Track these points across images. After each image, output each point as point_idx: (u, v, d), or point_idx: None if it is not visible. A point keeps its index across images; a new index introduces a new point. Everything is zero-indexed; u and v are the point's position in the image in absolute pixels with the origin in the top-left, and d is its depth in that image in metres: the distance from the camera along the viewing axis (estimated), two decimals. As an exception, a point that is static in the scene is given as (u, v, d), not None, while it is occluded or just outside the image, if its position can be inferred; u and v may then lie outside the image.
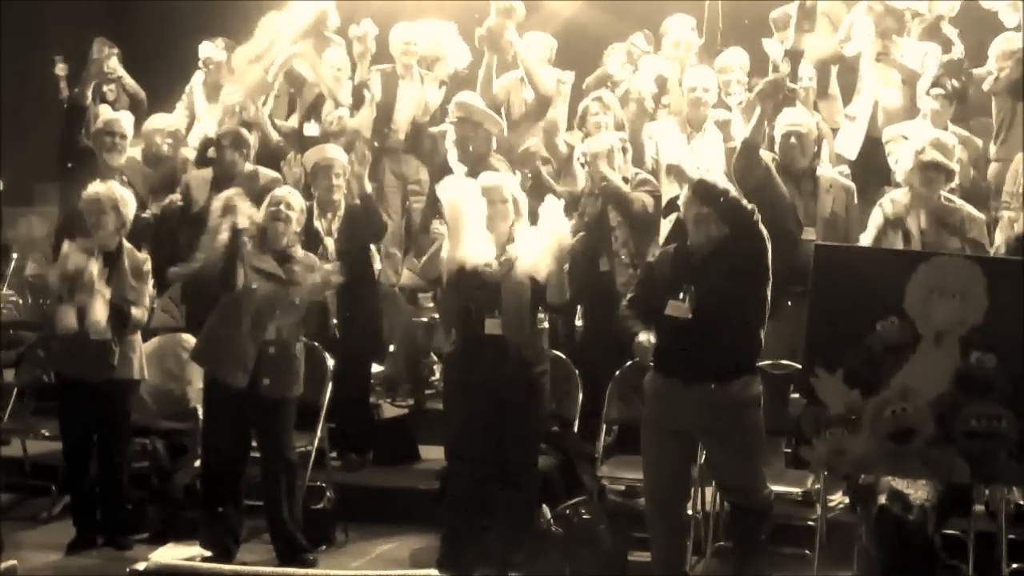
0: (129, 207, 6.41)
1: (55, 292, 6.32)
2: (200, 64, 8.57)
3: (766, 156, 6.92)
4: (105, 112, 8.00)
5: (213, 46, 8.55)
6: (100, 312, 6.18)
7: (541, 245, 5.71)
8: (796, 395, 5.21)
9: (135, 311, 6.31)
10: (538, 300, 5.77)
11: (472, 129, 7.13)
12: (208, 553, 6.08)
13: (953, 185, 6.55)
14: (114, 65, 8.20)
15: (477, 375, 5.70)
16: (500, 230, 5.80)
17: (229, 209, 6.00)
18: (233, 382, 5.98)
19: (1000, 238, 6.61)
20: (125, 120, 7.72)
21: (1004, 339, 4.90)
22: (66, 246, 6.33)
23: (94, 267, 6.21)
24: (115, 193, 6.38)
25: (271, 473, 6.11)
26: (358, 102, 7.87)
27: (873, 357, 4.97)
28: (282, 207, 6.10)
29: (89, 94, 7.74)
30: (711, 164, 7.03)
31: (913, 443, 4.95)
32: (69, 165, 7.67)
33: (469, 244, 5.76)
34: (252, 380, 5.97)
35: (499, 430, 5.73)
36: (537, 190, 6.79)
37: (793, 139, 6.78)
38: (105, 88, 8.49)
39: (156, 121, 7.93)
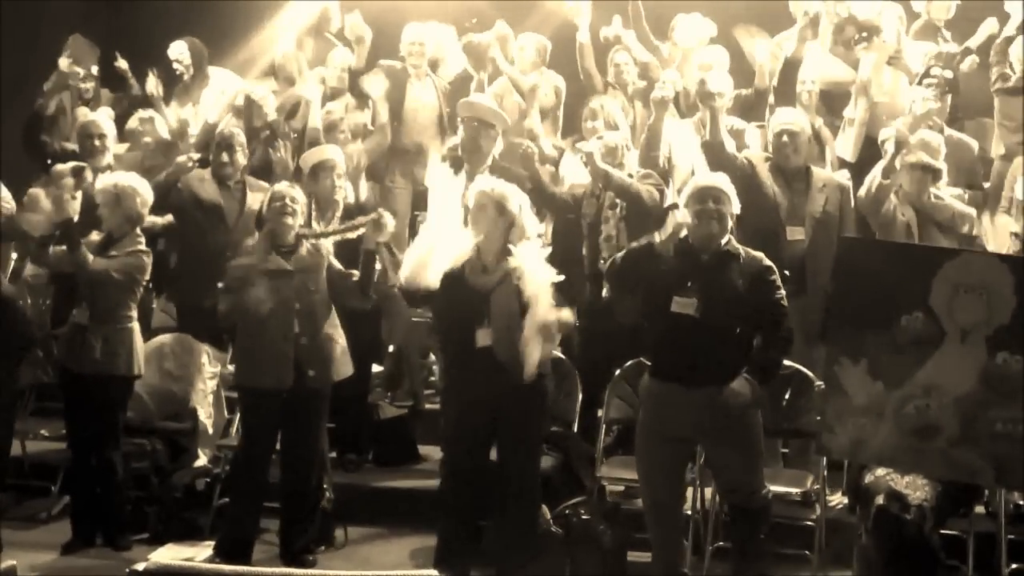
0: (136, 199, 6.40)
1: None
2: (175, 65, 8.56)
3: (757, 156, 6.95)
4: (83, 114, 8.01)
5: (185, 45, 8.54)
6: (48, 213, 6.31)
7: (541, 287, 5.59)
8: (820, 383, 5.19)
9: (84, 250, 6.23)
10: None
11: (481, 129, 7.13)
12: (210, 552, 6.09)
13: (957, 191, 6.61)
14: (77, 69, 8.24)
15: (473, 386, 5.64)
16: (487, 237, 5.68)
17: None
18: (280, 384, 5.98)
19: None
20: (103, 119, 7.73)
21: None
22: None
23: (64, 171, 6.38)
24: (118, 187, 6.39)
25: (303, 467, 6.11)
26: (361, 101, 7.91)
27: (897, 350, 4.93)
28: (287, 201, 6.10)
29: (52, 105, 7.72)
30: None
31: (936, 441, 4.91)
32: (49, 162, 7.70)
33: (452, 249, 5.73)
34: (297, 376, 5.98)
35: (498, 436, 5.70)
36: (536, 194, 6.79)
37: (785, 137, 6.80)
38: (82, 87, 8.50)
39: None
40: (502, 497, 5.76)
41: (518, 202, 5.72)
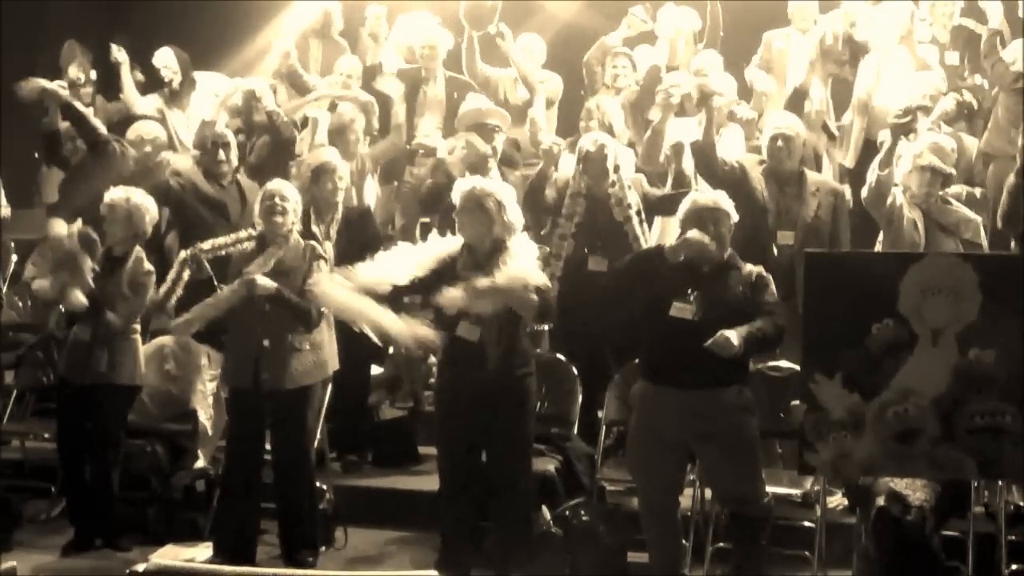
0: (145, 218, 6.42)
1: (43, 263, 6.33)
2: (163, 72, 8.57)
3: (751, 160, 6.96)
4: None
5: (171, 52, 8.55)
6: (77, 294, 6.20)
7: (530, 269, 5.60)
8: (796, 401, 5.21)
9: (111, 316, 6.25)
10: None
11: (486, 134, 7.12)
12: (210, 553, 6.11)
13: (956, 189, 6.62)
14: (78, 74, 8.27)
15: (459, 379, 5.65)
16: (476, 236, 5.63)
17: None
18: (237, 384, 6.02)
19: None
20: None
21: (1001, 334, 4.90)
22: (58, 225, 6.35)
23: (76, 247, 6.26)
24: (131, 203, 6.38)
25: (286, 468, 6.10)
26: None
27: (871, 360, 4.96)
28: (277, 200, 6.05)
29: (58, 119, 7.72)
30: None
31: (918, 443, 4.94)
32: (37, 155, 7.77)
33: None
34: (255, 378, 5.95)
35: (487, 433, 5.69)
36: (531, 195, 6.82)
37: (780, 141, 6.81)
38: (82, 91, 8.51)
39: (141, 128, 7.90)
40: (495, 499, 5.76)
41: (503, 197, 5.67)
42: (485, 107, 7.37)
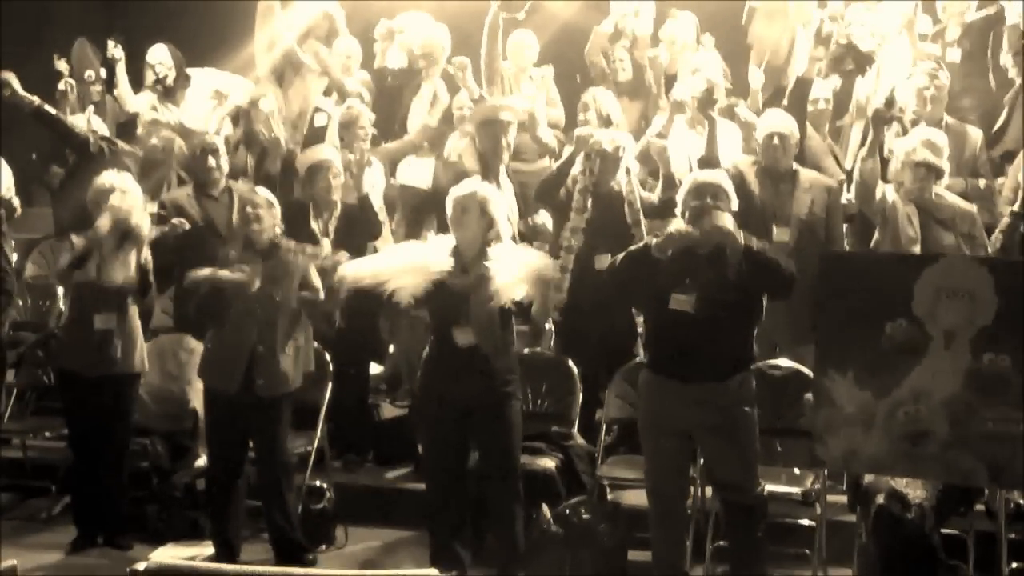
0: (143, 202, 6.42)
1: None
2: (157, 68, 8.56)
3: (744, 162, 6.95)
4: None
5: (165, 49, 8.54)
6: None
7: (518, 271, 5.60)
8: (809, 395, 5.20)
9: (149, 299, 6.34)
10: (508, 316, 5.69)
11: (502, 129, 7.10)
12: (211, 551, 6.11)
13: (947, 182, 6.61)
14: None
15: (445, 384, 5.65)
16: (468, 239, 5.65)
17: None
18: (225, 388, 5.99)
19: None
20: (78, 121, 7.80)
21: (1016, 339, 4.85)
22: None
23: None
24: (127, 187, 6.38)
25: (267, 474, 6.10)
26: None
27: (883, 359, 4.95)
28: (248, 209, 6.06)
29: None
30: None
31: (928, 445, 4.93)
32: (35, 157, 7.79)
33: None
34: (245, 383, 5.94)
35: (474, 440, 5.70)
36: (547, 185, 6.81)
37: (776, 140, 6.81)
38: (92, 89, 8.51)
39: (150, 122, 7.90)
40: (489, 503, 5.78)
41: (498, 205, 5.73)
42: (498, 102, 7.33)
